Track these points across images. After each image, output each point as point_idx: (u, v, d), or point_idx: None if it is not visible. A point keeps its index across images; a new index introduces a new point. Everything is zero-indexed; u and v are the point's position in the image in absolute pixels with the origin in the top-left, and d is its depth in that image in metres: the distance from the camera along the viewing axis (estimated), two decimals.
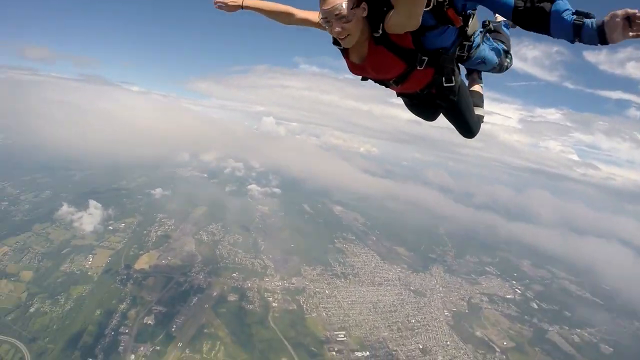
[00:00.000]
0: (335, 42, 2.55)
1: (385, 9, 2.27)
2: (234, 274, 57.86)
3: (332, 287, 60.15)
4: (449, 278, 70.63)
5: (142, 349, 41.01)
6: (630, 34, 1.79)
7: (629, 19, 1.78)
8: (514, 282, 73.49)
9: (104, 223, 68.28)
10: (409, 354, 47.78)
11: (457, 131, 3.73)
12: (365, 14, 2.31)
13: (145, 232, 67.36)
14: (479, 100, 3.94)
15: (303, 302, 54.76)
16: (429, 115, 3.60)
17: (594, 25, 1.93)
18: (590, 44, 2.01)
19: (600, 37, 1.92)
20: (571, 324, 61.02)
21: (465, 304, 61.98)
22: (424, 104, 3.24)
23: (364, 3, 2.27)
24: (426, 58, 2.50)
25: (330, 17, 2.26)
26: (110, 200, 76.49)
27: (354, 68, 2.72)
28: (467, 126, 3.60)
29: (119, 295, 49.12)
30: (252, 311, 50.70)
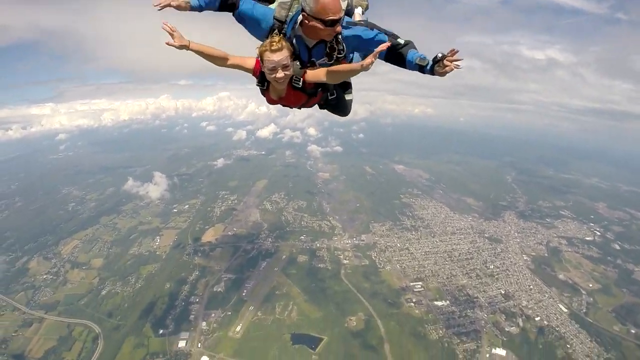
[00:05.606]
0: (260, 82, 3.71)
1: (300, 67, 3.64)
2: (302, 237, 56.98)
3: (403, 240, 57.68)
4: (523, 224, 66.01)
5: (213, 315, 40.09)
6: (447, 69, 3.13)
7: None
8: (592, 224, 67.23)
9: (169, 206, 70.14)
10: (490, 300, 44.49)
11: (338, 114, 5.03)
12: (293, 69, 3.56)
13: (209, 209, 68.08)
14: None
15: (375, 256, 52.43)
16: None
17: (429, 68, 3.26)
18: (427, 74, 3.37)
19: (432, 74, 3.29)
20: None
21: (543, 247, 57.38)
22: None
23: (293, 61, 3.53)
24: (320, 89, 3.86)
25: (278, 66, 3.32)
26: (172, 185, 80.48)
27: (272, 101, 4.00)
28: (344, 112, 4.88)
29: (188, 267, 48.97)
30: (324, 269, 49.05)
